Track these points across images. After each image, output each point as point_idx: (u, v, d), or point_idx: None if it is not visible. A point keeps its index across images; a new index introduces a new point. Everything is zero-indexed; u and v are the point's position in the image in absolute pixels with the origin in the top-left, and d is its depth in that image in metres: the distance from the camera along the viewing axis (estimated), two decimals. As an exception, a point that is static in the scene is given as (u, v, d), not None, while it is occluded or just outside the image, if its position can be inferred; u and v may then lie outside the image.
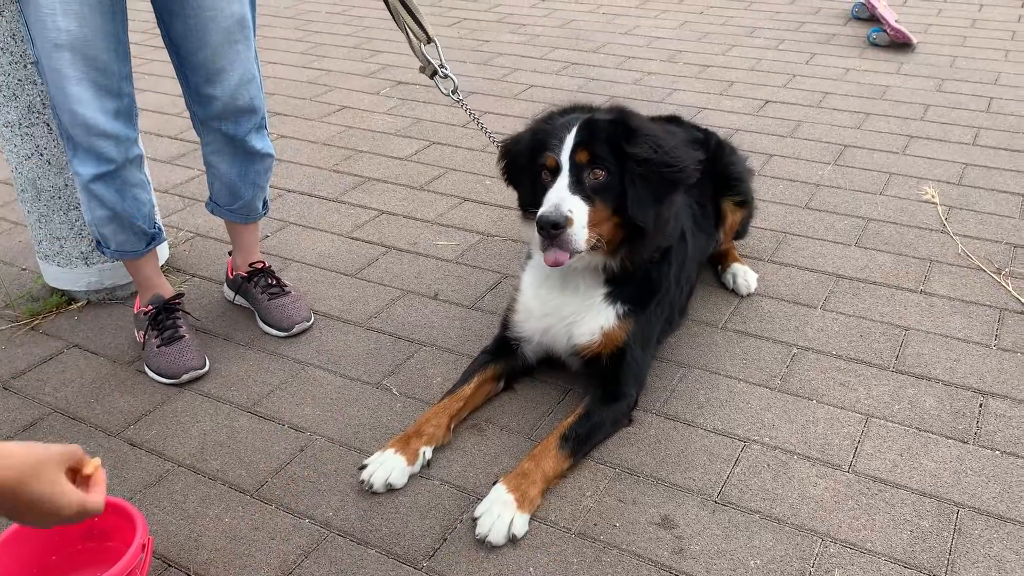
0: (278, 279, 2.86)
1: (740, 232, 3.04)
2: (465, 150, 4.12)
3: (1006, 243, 3.19)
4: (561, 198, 2.10)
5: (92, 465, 1.47)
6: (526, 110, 4.56)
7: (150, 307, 2.68)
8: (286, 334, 2.75)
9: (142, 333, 2.67)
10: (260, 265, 2.87)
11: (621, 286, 2.34)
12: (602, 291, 2.34)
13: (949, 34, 5.68)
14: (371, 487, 2.11)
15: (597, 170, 2.14)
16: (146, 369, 2.61)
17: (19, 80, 2.61)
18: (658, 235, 2.28)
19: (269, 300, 2.79)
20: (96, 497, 1.42)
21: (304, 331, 2.77)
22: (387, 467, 2.13)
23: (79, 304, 2.97)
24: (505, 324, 2.51)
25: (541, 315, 2.39)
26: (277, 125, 4.48)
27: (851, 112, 4.45)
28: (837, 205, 3.51)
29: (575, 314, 2.34)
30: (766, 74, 5.04)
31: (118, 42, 2.29)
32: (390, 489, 2.13)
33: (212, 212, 2.84)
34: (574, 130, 2.17)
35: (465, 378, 2.40)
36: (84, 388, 2.55)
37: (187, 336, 2.63)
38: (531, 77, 5.10)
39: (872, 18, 5.82)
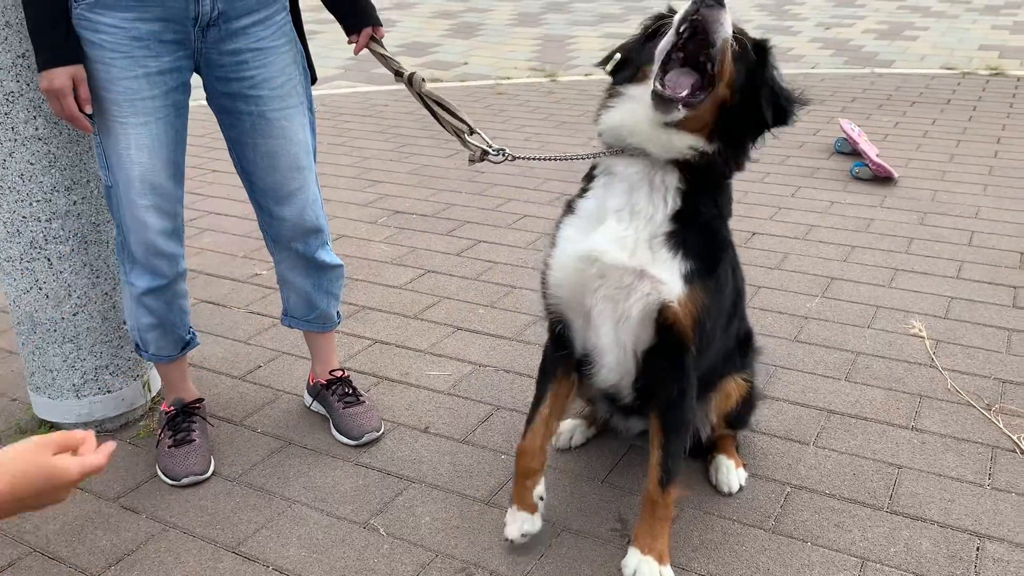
0: (355, 388, 3.01)
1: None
2: (459, 279, 4.19)
3: (995, 378, 3.21)
4: None
5: (81, 440, 1.49)
6: (519, 239, 4.66)
7: (171, 408, 2.85)
8: (356, 443, 2.85)
9: (159, 431, 2.84)
10: (339, 374, 3.03)
11: (687, 226, 2.09)
12: (665, 228, 2.09)
13: (929, 168, 5.87)
14: (511, 542, 2.34)
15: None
16: (156, 467, 2.74)
17: (23, 217, 2.68)
18: (747, 147, 2.13)
19: (344, 408, 2.92)
20: (91, 457, 1.44)
21: (373, 441, 2.87)
22: (518, 523, 2.33)
23: (67, 436, 2.95)
24: (548, 311, 2.34)
25: (588, 244, 2.16)
26: (275, 253, 4.56)
27: (837, 244, 4.56)
28: (826, 338, 3.55)
29: (634, 240, 2.11)
30: (752, 206, 5.18)
31: (177, 169, 2.57)
32: (527, 536, 2.34)
33: (289, 326, 3.04)
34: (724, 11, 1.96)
35: (539, 399, 2.40)
36: (67, 525, 2.51)
37: (197, 440, 2.76)
38: (524, 207, 5.24)
39: (854, 152, 6.03)
